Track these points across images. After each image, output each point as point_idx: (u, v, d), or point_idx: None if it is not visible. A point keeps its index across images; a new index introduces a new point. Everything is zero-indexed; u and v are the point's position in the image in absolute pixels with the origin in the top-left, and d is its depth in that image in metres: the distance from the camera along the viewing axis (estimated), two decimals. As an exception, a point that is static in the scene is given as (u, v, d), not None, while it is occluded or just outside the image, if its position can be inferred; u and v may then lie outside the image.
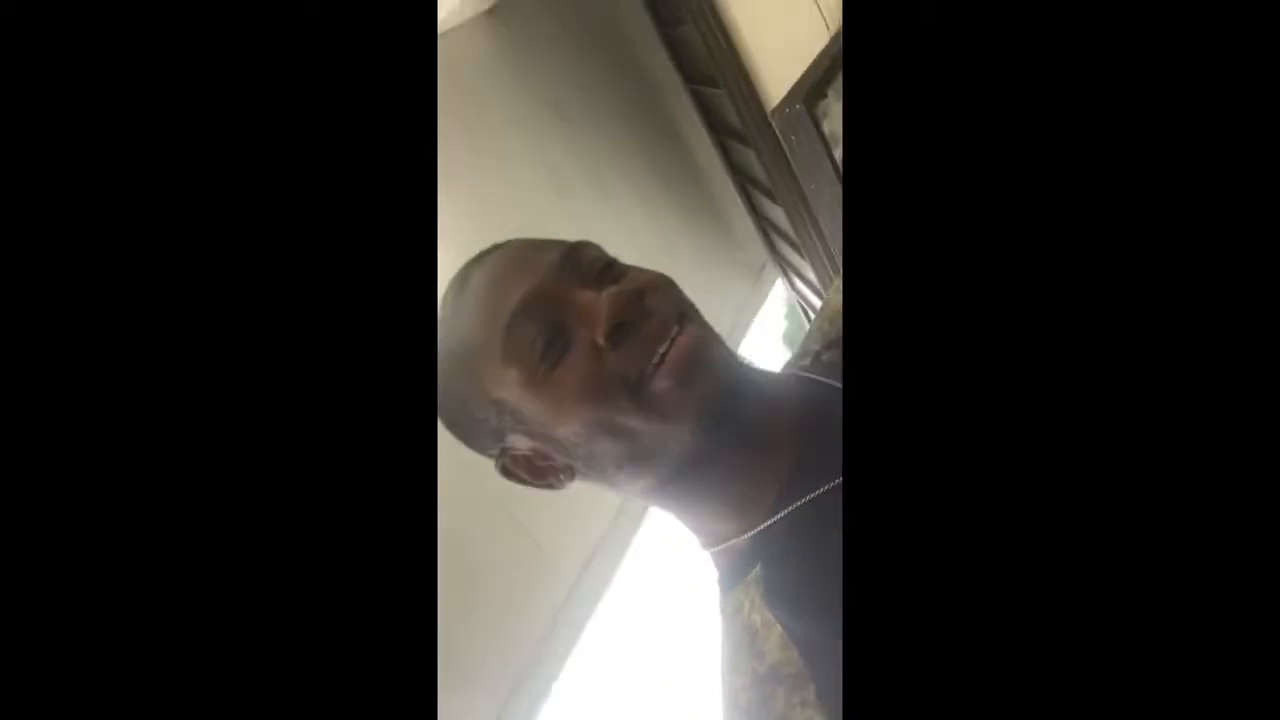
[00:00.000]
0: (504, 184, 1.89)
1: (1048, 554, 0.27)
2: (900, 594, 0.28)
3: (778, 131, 1.58)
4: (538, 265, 0.50)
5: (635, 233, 2.25)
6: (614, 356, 0.47)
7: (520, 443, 0.52)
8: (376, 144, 0.33)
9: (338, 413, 0.31)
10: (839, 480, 0.49)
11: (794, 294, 2.41)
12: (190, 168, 0.31)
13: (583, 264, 0.51)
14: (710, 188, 2.35)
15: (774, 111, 1.52)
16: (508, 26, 1.86)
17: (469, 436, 0.54)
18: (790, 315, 3.19)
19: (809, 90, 1.58)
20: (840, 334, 0.60)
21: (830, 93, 1.69)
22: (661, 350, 0.47)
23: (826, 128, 1.72)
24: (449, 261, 0.53)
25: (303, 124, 0.32)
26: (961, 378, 0.29)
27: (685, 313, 0.51)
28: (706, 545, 0.55)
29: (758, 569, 0.51)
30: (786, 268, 2.30)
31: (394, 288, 0.33)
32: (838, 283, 0.68)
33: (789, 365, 0.62)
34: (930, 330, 0.29)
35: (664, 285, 0.51)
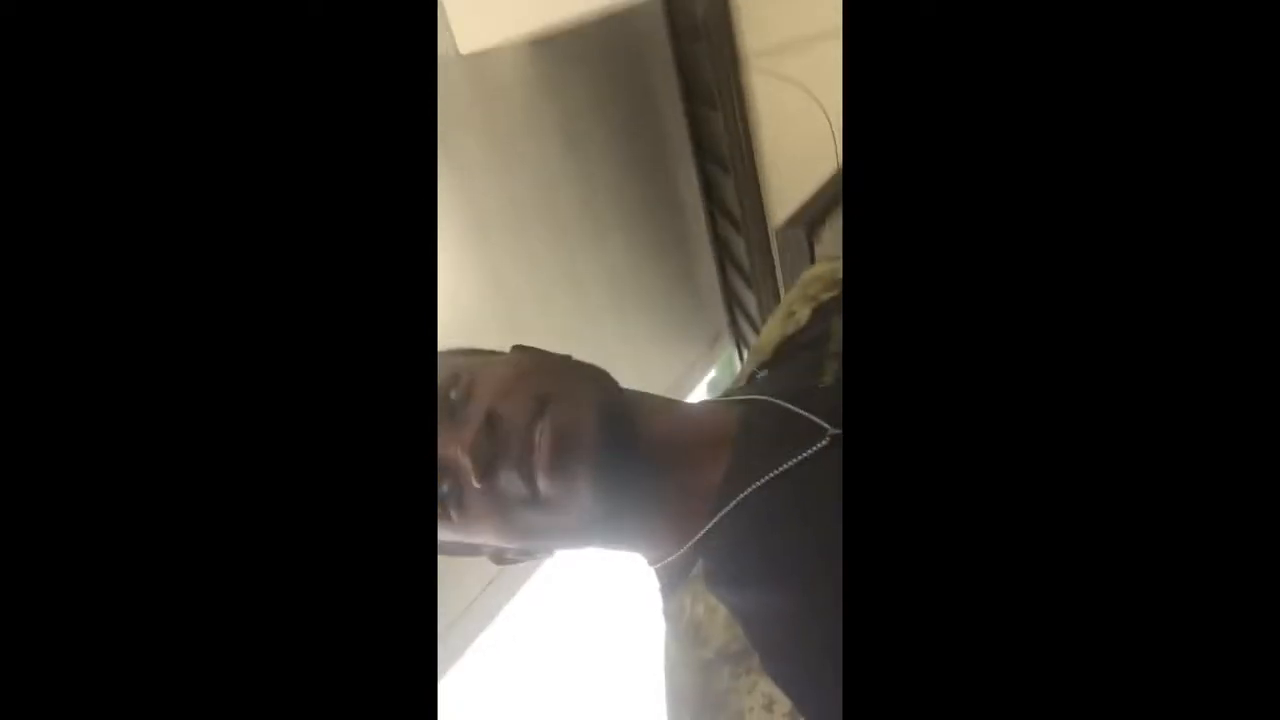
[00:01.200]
0: (499, 188, 1.94)
1: (1044, 549, 0.27)
2: (897, 584, 0.29)
3: (775, 248, 1.72)
4: None
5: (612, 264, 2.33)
6: (496, 489, 0.51)
7: (493, 548, 0.60)
8: (375, 140, 0.32)
9: (337, 398, 0.31)
10: (771, 474, 0.52)
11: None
12: (182, 159, 0.30)
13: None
14: (689, 247, 2.46)
15: (778, 230, 1.66)
16: (547, 62, 1.93)
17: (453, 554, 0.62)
18: (724, 366, 3.32)
19: (812, 219, 1.73)
20: (772, 356, 0.68)
21: (827, 221, 1.84)
22: (532, 458, 0.50)
23: (818, 250, 1.88)
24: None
25: (300, 114, 0.32)
26: (958, 378, 0.29)
27: (542, 400, 0.52)
28: (653, 562, 0.58)
29: (699, 565, 0.53)
30: (742, 344, 2.45)
31: (394, 271, 0.32)
32: (776, 314, 0.75)
33: (727, 393, 0.67)
34: (928, 328, 0.30)
35: (510, 386, 0.53)
